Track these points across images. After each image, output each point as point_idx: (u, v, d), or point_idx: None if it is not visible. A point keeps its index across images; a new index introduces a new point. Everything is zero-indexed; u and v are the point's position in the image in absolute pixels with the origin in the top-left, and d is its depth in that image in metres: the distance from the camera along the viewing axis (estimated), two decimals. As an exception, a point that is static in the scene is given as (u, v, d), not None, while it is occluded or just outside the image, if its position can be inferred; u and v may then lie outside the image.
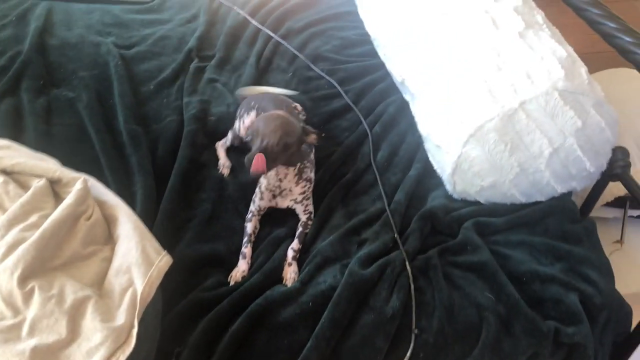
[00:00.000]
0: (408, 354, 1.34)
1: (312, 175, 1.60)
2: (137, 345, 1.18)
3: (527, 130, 1.49)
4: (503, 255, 1.53)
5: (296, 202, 1.57)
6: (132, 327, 1.22)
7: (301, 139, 1.46)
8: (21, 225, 1.29)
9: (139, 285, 1.28)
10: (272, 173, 1.50)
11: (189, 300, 1.36)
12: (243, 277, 1.44)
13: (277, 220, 1.61)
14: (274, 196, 1.57)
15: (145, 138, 1.79)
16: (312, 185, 1.60)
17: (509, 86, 1.50)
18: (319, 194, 1.69)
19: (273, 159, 1.38)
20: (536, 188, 1.59)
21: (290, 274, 1.45)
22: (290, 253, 1.49)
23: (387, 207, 1.61)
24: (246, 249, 1.50)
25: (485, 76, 1.54)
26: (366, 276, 1.40)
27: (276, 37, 2.29)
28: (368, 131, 1.88)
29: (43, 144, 1.70)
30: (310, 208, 1.60)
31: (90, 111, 1.85)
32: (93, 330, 1.18)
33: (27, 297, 1.20)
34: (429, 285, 1.44)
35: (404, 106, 1.97)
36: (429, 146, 1.72)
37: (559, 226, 1.61)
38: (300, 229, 1.55)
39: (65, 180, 1.41)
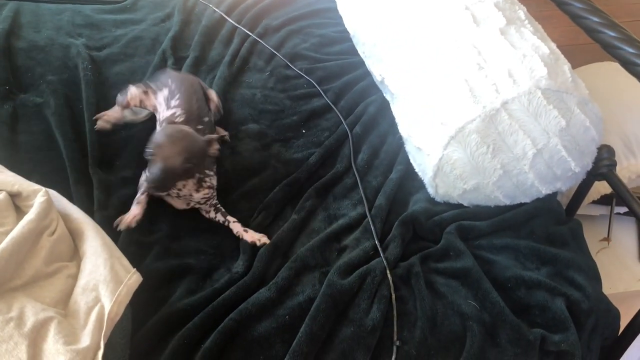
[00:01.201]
0: (390, 366, 1.29)
1: (215, 181, 1.52)
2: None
3: (509, 131, 1.43)
4: (487, 261, 1.48)
5: (199, 204, 1.52)
6: (98, 348, 1.16)
7: (204, 154, 1.38)
8: (-19, 243, 1.22)
9: (107, 304, 1.22)
10: None
11: (158, 317, 1.30)
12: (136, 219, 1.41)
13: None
14: (171, 197, 1.50)
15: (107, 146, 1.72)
16: (214, 191, 1.52)
17: (491, 85, 1.44)
18: (295, 194, 1.64)
19: (173, 178, 1.33)
20: (520, 190, 1.54)
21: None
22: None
23: (367, 213, 1.56)
24: (142, 197, 1.47)
25: (466, 75, 1.48)
26: (345, 287, 1.35)
27: (253, 36, 2.23)
28: (348, 132, 1.82)
29: (8, 153, 1.64)
30: (214, 202, 1.54)
31: (59, 117, 1.77)
32: (56, 354, 1.12)
33: None
34: (411, 294, 1.40)
35: (385, 106, 1.92)
36: (410, 148, 1.66)
37: (545, 228, 1.57)
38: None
39: (25, 193, 1.34)
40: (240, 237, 1.48)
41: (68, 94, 1.87)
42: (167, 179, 1.30)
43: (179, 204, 1.52)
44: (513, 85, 1.43)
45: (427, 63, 1.60)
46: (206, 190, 1.48)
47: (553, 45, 1.58)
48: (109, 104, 1.87)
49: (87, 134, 1.73)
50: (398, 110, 1.72)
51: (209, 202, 1.53)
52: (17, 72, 1.96)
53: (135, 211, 1.43)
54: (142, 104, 1.69)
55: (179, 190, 1.44)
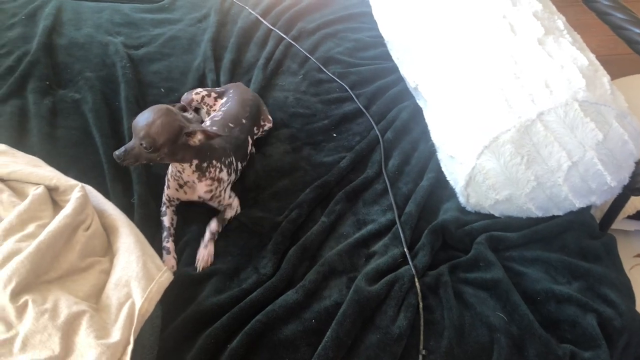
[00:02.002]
0: (415, 375, 1.29)
1: (224, 175, 1.52)
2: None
3: (544, 143, 1.41)
4: (517, 273, 1.46)
5: (206, 199, 1.54)
6: (127, 344, 1.18)
7: (176, 134, 1.36)
8: (17, 236, 1.25)
9: (138, 301, 1.24)
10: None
11: (186, 315, 1.31)
12: (174, 271, 1.40)
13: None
14: (180, 186, 1.52)
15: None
16: (223, 184, 1.53)
17: (527, 96, 1.43)
18: (325, 197, 1.65)
19: (135, 155, 1.36)
20: (553, 202, 1.51)
21: (203, 255, 1.44)
22: (207, 235, 1.47)
23: (397, 220, 1.55)
24: (168, 244, 1.46)
25: (502, 84, 1.47)
26: (373, 293, 1.35)
27: (287, 39, 2.24)
28: (380, 137, 1.82)
29: (47, 148, 1.69)
30: (227, 201, 1.56)
31: (96, 114, 1.81)
32: (87, 347, 1.14)
33: (20, 311, 1.16)
34: (439, 304, 1.38)
35: (417, 112, 1.91)
36: (442, 156, 1.65)
37: (577, 242, 1.53)
38: (220, 214, 1.54)
39: (62, 188, 1.37)
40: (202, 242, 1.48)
41: (105, 91, 1.91)
42: (132, 148, 1.34)
43: (191, 194, 1.53)
44: (550, 96, 1.41)
45: (462, 71, 1.59)
46: (209, 182, 1.49)
47: (592, 57, 1.55)
48: (146, 102, 1.91)
49: (125, 131, 1.76)
50: (431, 117, 1.72)
51: (217, 201, 1.54)
52: (57, 68, 2.01)
53: (170, 262, 1.44)
54: (202, 102, 1.80)
55: (179, 172, 1.47)
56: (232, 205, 1.56)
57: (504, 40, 1.56)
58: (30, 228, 1.28)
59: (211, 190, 1.51)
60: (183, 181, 1.50)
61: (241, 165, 1.64)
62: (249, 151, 1.69)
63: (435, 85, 1.68)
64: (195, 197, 1.54)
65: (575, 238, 1.55)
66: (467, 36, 1.64)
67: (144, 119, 1.35)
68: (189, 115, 1.69)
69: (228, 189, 1.57)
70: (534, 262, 1.49)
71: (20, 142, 1.67)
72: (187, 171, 1.46)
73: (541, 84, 1.43)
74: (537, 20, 1.58)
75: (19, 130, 1.74)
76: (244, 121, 1.67)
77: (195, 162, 1.45)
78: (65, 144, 1.73)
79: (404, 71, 1.93)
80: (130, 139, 1.47)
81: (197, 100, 1.80)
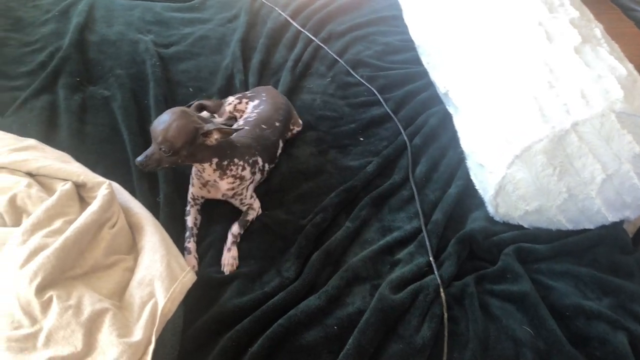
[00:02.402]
0: (437, 388, 1.26)
1: (246, 173, 1.52)
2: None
3: (578, 154, 1.38)
4: (546, 286, 1.43)
5: (228, 197, 1.53)
6: (149, 343, 1.18)
7: (193, 135, 1.36)
8: (44, 231, 1.26)
9: (161, 300, 1.24)
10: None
11: (208, 317, 1.31)
12: (195, 271, 1.39)
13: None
14: (203, 185, 1.52)
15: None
16: (246, 182, 1.53)
17: (561, 105, 1.39)
18: (351, 202, 1.63)
19: (156, 160, 1.37)
20: (585, 215, 1.47)
21: (228, 259, 1.43)
22: (229, 238, 1.47)
23: (423, 228, 1.53)
24: (190, 244, 1.46)
25: (536, 93, 1.43)
26: (397, 302, 1.33)
27: (316, 41, 2.23)
28: (407, 143, 1.79)
29: (76, 143, 1.70)
30: (249, 201, 1.56)
31: (125, 111, 1.82)
32: (109, 345, 1.14)
33: (45, 306, 1.16)
34: (464, 315, 1.36)
35: (447, 118, 1.88)
36: (472, 164, 1.62)
37: (609, 257, 1.50)
38: (242, 217, 1.53)
39: (89, 184, 1.38)
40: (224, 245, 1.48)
41: (134, 89, 1.92)
42: (152, 153, 1.36)
43: (214, 192, 1.54)
44: (586, 106, 1.37)
45: (495, 78, 1.56)
46: (231, 179, 1.49)
47: (631, 67, 1.51)
48: (175, 102, 1.92)
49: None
50: (461, 124, 1.69)
51: (239, 199, 1.54)
52: (88, 64, 2.03)
53: (191, 262, 1.44)
54: (235, 110, 1.78)
55: (200, 171, 1.47)
56: (254, 207, 1.56)
57: (539, 48, 1.52)
58: (57, 224, 1.29)
59: (233, 188, 1.51)
60: (204, 180, 1.50)
61: (268, 167, 1.63)
62: (278, 154, 1.68)
63: (467, 91, 1.65)
64: (219, 196, 1.54)
65: (607, 253, 1.51)
66: (501, 43, 1.61)
67: (160, 123, 1.35)
68: (206, 114, 1.68)
69: (251, 187, 1.56)
70: (563, 275, 1.46)
71: (49, 137, 1.69)
72: (208, 170, 1.46)
73: (577, 93, 1.40)
74: (574, 28, 1.54)
75: (48, 125, 1.76)
76: (277, 124, 1.67)
77: (215, 160, 1.45)
78: (93, 140, 1.74)
79: (434, 76, 1.90)
80: None
81: (230, 111, 1.78)
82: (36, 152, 1.47)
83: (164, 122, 1.35)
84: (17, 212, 1.35)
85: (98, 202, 1.33)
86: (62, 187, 1.37)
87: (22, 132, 1.61)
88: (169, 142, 1.33)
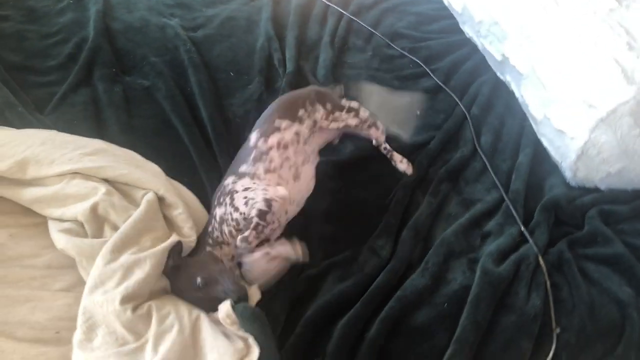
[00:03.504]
0: (551, 354, 1.27)
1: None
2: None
3: (664, 113, 1.39)
4: (633, 246, 1.44)
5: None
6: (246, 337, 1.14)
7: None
8: (134, 249, 1.21)
9: None
10: None
11: (317, 307, 1.28)
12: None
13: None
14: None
15: (229, 134, 1.69)
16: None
17: (643, 66, 1.39)
18: (422, 179, 1.62)
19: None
20: (666, 173, 1.50)
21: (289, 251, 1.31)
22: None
23: (506, 198, 1.53)
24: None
25: (615, 55, 1.43)
26: (503, 274, 1.32)
27: (348, 15, 2.18)
28: (467, 114, 1.78)
29: (129, 138, 1.61)
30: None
31: (172, 101, 1.74)
32: (215, 342, 1.11)
33: (146, 318, 1.13)
34: (565, 281, 1.37)
35: (498, 86, 1.88)
36: (546, 131, 1.61)
37: (686, 212, 1.52)
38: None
39: (168, 201, 1.33)
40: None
41: (174, 77, 1.84)
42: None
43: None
44: (669, 65, 1.38)
45: (567, 42, 1.55)
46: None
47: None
48: (217, 87, 1.84)
49: (205, 119, 1.70)
50: (529, 91, 1.67)
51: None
52: (118, 54, 1.93)
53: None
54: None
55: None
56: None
57: (612, 9, 1.51)
58: (147, 242, 1.24)
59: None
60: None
61: None
62: None
63: (534, 58, 1.63)
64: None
65: (683, 208, 1.54)
66: (568, 6, 1.59)
67: None
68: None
69: None
70: (647, 234, 1.48)
71: (100, 133, 1.60)
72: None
73: (657, 53, 1.40)
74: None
75: (95, 120, 1.67)
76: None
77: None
78: (145, 133, 1.66)
79: (487, 45, 1.87)
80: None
81: (348, 125, 1.57)
82: (107, 156, 1.40)
83: None
84: (98, 222, 1.28)
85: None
86: (147, 198, 1.31)
87: (70, 129, 1.52)
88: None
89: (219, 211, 1.33)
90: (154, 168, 1.43)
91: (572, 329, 1.30)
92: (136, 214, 1.26)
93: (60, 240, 1.24)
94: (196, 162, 1.58)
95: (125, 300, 1.12)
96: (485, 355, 1.24)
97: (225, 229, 1.30)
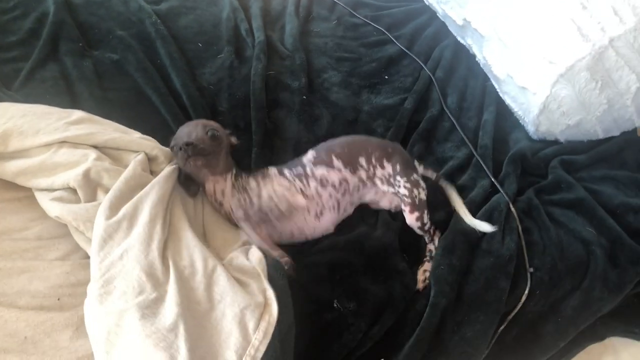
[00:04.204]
0: (526, 291, 1.39)
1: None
2: (279, 310, 1.13)
3: (615, 67, 1.51)
4: (592, 191, 1.58)
5: None
6: (265, 290, 1.18)
7: None
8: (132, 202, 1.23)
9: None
10: None
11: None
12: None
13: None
14: None
15: (204, 102, 1.71)
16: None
17: (596, 24, 1.51)
18: (402, 140, 1.68)
19: None
20: (617, 123, 1.63)
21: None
22: None
23: (475, 153, 1.63)
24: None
25: (571, 15, 1.54)
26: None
27: (310, -16, 2.20)
28: (432, 77, 1.86)
29: (105, 111, 1.58)
30: None
31: (144, 73, 1.73)
32: (233, 296, 1.14)
33: (165, 266, 1.15)
34: (535, 225, 1.48)
35: (460, 50, 1.97)
36: (509, 88, 1.72)
37: (635, 158, 1.68)
38: None
39: (160, 159, 1.37)
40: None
41: (143, 50, 1.83)
42: None
43: None
44: (619, 23, 1.49)
45: (526, 3, 1.64)
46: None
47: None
48: (188, 58, 1.85)
49: (181, 89, 1.70)
50: (491, 52, 1.77)
51: None
52: (82, 28, 1.88)
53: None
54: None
55: None
56: None
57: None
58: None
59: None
60: None
61: None
62: None
63: (495, 20, 1.73)
64: None
65: (633, 154, 1.68)
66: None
67: None
68: None
69: None
70: (603, 180, 1.62)
71: (74, 107, 1.57)
72: None
73: (609, 12, 1.51)
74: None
75: (68, 95, 1.64)
76: None
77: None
78: (121, 106, 1.65)
79: (448, 10, 1.95)
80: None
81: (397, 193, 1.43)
82: (93, 123, 1.40)
83: None
84: (91, 186, 1.29)
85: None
86: (135, 158, 1.33)
87: (43, 104, 1.51)
88: None
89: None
90: (139, 134, 1.44)
91: (544, 268, 1.42)
92: (126, 172, 1.28)
93: (55, 208, 1.23)
94: (174, 131, 1.59)
95: (147, 245, 1.15)
96: (468, 295, 1.35)
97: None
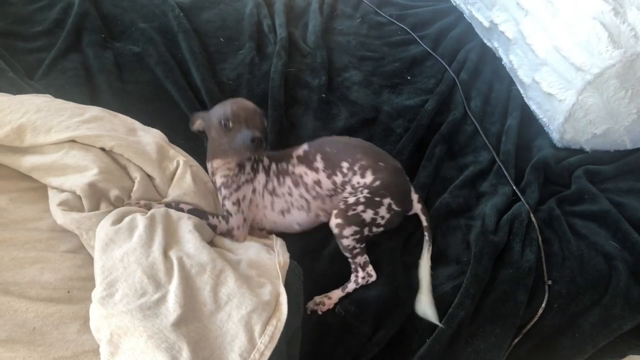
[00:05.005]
0: (543, 304, 1.34)
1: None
2: (289, 315, 1.11)
3: (647, 76, 1.45)
4: (617, 203, 1.52)
5: None
6: (278, 294, 1.16)
7: None
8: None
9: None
10: None
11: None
12: None
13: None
14: None
15: (223, 98, 1.67)
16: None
17: (629, 31, 1.45)
18: (417, 143, 1.65)
19: None
20: (647, 134, 1.57)
21: None
22: None
23: (497, 159, 1.58)
24: None
25: (602, 20, 1.48)
26: (500, 232, 1.39)
27: (335, -18, 2.18)
28: (456, 79, 1.82)
29: (123, 103, 1.60)
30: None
31: (164, 67, 1.73)
32: (241, 298, 1.12)
33: (168, 267, 1.13)
34: (555, 237, 1.44)
35: (485, 52, 1.92)
36: (535, 94, 1.67)
37: (665, 171, 1.61)
38: None
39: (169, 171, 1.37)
40: None
41: (165, 43, 1.82)
42: None
43: None
44: (652, 30, 1.44)
45: (555, 8, 1.59)
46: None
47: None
48: (209, 53, 1.84)
49: (200, 84, 1.69)
50: (518, 57, 1.72)
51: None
52: (105, 20, 1.90)
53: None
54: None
55: None
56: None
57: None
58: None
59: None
60: None
61: None
62: None
63: (522, 23, 1.68)
64: None
65: (662, 167, 1.62)
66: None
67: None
68: None
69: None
70: (629, 192, 1.56)
71: (93, 99, 1.60)
72: None
73: (642, 18, 1.46)
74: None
75: (88, 87, 1.64)
76: None
77: None
78: (139, 99, 1.65)
79: (475, 12, 1.91)
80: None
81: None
82: (105, 123, 1.39)
83: None
84: (95, 197, 1.27)
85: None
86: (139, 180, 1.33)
87: (63, 95, 1.50)
88: None
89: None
90: (154, 132, 1.43)
91: (562, 281, 1.37)
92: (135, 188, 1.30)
93: (59, 217, 1.23)
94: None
95: (149, 245, 1.14)
96: (485, 307, 1.31)
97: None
